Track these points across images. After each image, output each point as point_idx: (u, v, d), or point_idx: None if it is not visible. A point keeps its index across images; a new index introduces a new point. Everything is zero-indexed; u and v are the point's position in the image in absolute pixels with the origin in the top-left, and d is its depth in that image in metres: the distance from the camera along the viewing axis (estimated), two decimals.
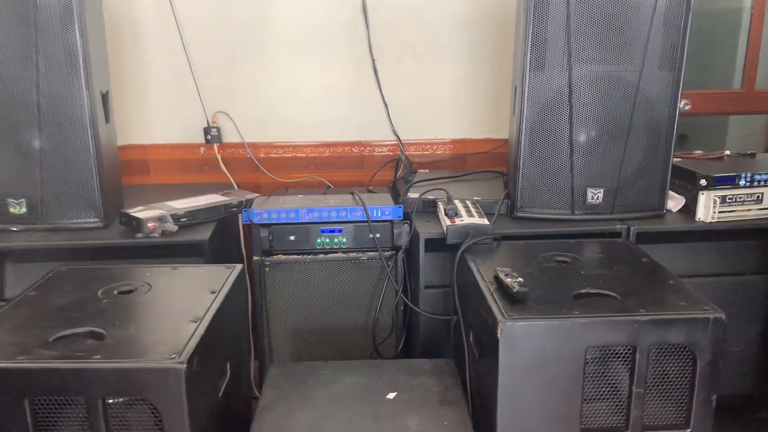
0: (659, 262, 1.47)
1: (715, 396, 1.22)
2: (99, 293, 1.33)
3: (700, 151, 2.04)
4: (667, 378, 1.23)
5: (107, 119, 1.75)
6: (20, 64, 1.59)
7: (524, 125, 1.71)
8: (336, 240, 1.72)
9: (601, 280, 1.35)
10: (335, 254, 1.72)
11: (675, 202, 1.81)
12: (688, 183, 1.80)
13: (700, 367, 1.20)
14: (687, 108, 2.02)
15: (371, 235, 1.71)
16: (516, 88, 1.74)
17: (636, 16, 1.63)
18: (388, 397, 1.34)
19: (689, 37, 1.66)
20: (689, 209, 1.79)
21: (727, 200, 1.74)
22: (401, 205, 1.74)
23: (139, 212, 1.67)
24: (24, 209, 1.67)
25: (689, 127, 2.72)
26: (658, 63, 1.67)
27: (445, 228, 1.63)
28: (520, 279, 1.29)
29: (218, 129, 2.22)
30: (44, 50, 1.59)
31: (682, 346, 1.20)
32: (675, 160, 1.83)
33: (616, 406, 1.24)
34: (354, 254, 1.72)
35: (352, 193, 1.85)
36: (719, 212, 1.74)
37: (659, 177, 1.75)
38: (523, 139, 1.72)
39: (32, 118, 1.62)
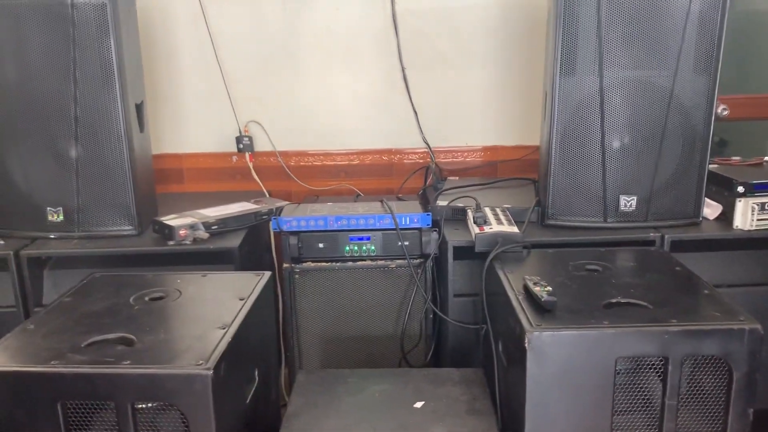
0: (694, 272, 1.43)
1: (752, 409, 1.18)
2: (131, 299, 1.36)
3: (738, 157, 1.99)
4: (702, 390, 1.20)
5: (141, 129, 1.79)
6: (59, 78, 1.64)
7: (555, 132, 1.69)
8: (364, 248, 1.72)
9: (632, 289, 1.33)
10: (364, 262, 1.73)
11: (711, 209, 1.77)
12: (725, 190, 1.75)
13: (736, 379, 1.16)
14: (725, 113, 1.96)
15: (400, 243, 1.71)
16: (547, 94, 1.73)
17: (669, 19, 1.59)
18: (415, 406, 1.34)
19: (727, 39, 1.62)
20: (726, 217, 1.74)
21: (767, 207, 1.69)
22: (430, 213, 1.74)
23: (171, 220, 1.70)
24: (61, 217, 1.72)
25: (730, 133, 2.65)
26: (692, 67, 1.63)
27: (473, 236, 1.61)
28: (549, 288, 1.27)
29: (250, 138, 2.25)
30: (81, 64, 1.63)
31: (717, 358, 1.17)
32: (711, 166, 1.78)
33: (649, 418, 1.21)
34: (382, 262, 1.72)
35: (381, 201, 1.86)
36: (758, 220, 1.69)
37: (695, 184, 1.71)
38: (554, 145, 1.70)
39: (69, 129, 1.67)
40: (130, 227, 1.74)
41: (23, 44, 1.62)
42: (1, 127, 1.67)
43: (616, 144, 1.68)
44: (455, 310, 1.70)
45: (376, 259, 1.73)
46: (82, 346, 1.15)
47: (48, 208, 1.72)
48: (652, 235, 1.68)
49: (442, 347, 1.77)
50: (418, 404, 1.34)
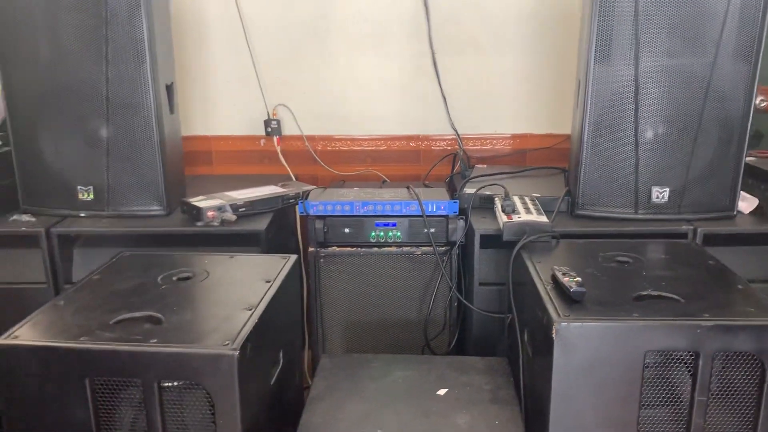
0: (727, 266, 1.40)
1: None
2: (159, 279, 1.37)
3: None
4: (733, 387, 1.17)
5: (171, 110, 1.80)
6: (91, 57, 1.65)
7: (588, 120, 1.66)
8: (390, 234, 1.71)
9: (663, 282, 1.30)
10: (389, 248, 1.72)
11: (747, 203, 1.72)
12: (761, 183, 1.71)
13: None
14: (763, 104, 1.91)
15: (426, 230, 1.70)
16: (580, 82, 1.69)
17: (709, 6, 1.55)
18: (438, 393, 1.33)
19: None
20: (762, 211, 1.70)
21: None
22: (457, 200, 1.72)
23: (200, 201, 1.71)
24: (91, 196, 1.74)
25: (766, 125, 2.58)
26: (732, 55, 1.58)
27: (501, 224, 1.60)
28: (578, 279, 1.25)
29: (278, 122, 2.25)
30: (113, 44, 1.64)
31: (749, 354, 1.14)
32: (748, 159, 1.74)
33: (677, 413, 1.19)
34: (408, 248, 1.71)
35: (407, 187, 1.84)
36: None
37: (730, 176, 1.67)
38: (586, 134, 1.67)
39: (101, 109, 1.68)
40: (159, 207, 1.76)
41: (56, 24, 1.63)
42: (33, 107, 1.69)
43: (649, 134, 1.64)
44: (480, 298, 1.69)
45: (402, 246, 1.72)
46: (111, 323, 1.16)
47: (78, 187, 1.74)
48: (684, 227, 1.64)
49: (466, 335, 1.76)
50: (442, 391, 1.34)
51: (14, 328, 1.14)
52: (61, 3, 1.62)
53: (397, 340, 1.77)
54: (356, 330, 1.76)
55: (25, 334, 1.13)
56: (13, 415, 1.12)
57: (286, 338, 1.43)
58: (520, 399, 1.33)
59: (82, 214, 1.75)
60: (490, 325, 1.70)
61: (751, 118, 1.62)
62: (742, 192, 1.70)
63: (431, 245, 1.70)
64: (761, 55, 1.58)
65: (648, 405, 1.18)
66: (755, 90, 1.60)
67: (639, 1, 1.56)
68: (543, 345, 1.21)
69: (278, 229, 1.83)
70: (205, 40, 2.22)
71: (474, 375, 1.40)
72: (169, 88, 1.78)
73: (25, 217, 1.73)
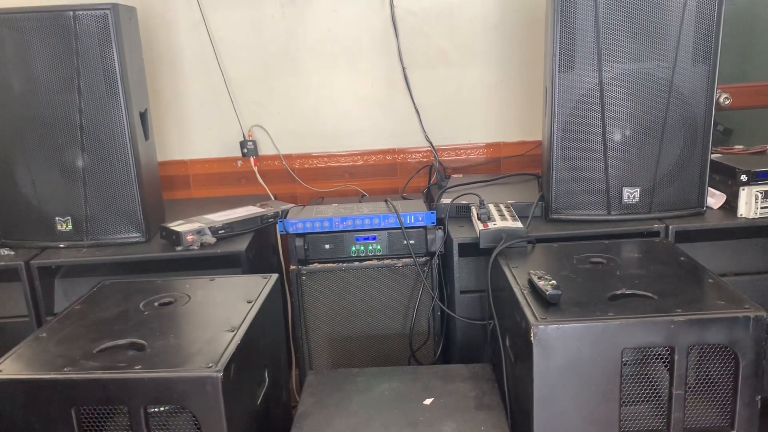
0: (700, 261, 1.44)
1: (759, 397, 1.18)
2: (141, 305, 1.37)
3: (740, 146, 1.99)
4: (709, 379, 1.20)
5: (146, 137, 1.81)
6: (63, 89, 1.67)
7: (556, 126, 1.70)
8: (370, 247, 1.73)
9: (637, 280, 1.33)
10: (370, 261, 1.74)
11: (715, 199, 1.77)
12: (728, 179, 1.75)
13: (743, 367, 1.16)
14: (727, 102, 1.96)
15: (405, 242, 1.72)
16: (547, 89, 1.73)
17: (666, 11, 1.60)
18: (424, 402, 1.35)
19: (729, 28, 1.62)
20: (730, 206, 1.74)
21: None
22: (434, 211, 1.75)
23: (179, 226, 1.72)
24: (70, 226, 1.74)
25: (734, 121, 2.64)
26: (691, 57, 1.64)
27: (478, 232, 1.62)
28: (554, 281, 1.28)
29: (254, 142, 2.26)
30: (85, 75, 1.66)
31: (723, 346, 1.17)
32: (714, 155, 1.79)
33: (657, 408, 1.21)
34: (389, 261, 1.73)
35: (385, 201, 1.87)
36: (762, 208, 1.69)
37: (697, 174, 1.71)
38: (555, 140, 1.71)
39: (75, 139, 1.69)
40: (138, 234, 1.76)
41: (27, 57, 1.64)
42: (8, 139, 1.70)
43: (617, 137, 1.68)
44: (462, 306, 1.71)
45: (383, 259, 1.74)
46: (94, 352, 1.17)
47: (57, 218, 1.74)
48: (656, 226, 1.68)
49: (451, 344, 1.78)
50: (428, 401, 1.35)
51: None
52: (30, 36, 1.63)
53: (383, 353, 1.78)
54: (342, 345, 1.78)
55: (8, 368, 1.13)
56: None
57: (271, 357, 1.44)
58: (504, 404, 1.35)
59: (62, 245, 1.75)
60: (474, 333, 1.72)
61: (713, 116, 1.67)
62: (710, 188, 1.75)
63: (411, 256, 1.72)
64: (719, 55, 1.63)
65: (628, 402, 1.21)
66: (716, 89, 1.65)
67: (599, 10, 1.60)
68: (523, 349, 1.24)
69: (259, 249, 1.84)
70: (177, 65, 2.23)
71: (459, 383, 1.42)
72: (143, 115, 1.79)
73: (4, 251, 1.73)
